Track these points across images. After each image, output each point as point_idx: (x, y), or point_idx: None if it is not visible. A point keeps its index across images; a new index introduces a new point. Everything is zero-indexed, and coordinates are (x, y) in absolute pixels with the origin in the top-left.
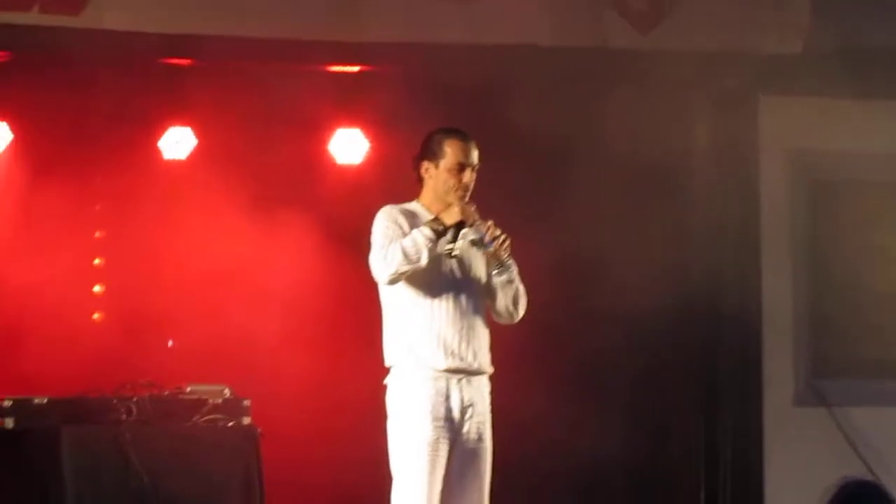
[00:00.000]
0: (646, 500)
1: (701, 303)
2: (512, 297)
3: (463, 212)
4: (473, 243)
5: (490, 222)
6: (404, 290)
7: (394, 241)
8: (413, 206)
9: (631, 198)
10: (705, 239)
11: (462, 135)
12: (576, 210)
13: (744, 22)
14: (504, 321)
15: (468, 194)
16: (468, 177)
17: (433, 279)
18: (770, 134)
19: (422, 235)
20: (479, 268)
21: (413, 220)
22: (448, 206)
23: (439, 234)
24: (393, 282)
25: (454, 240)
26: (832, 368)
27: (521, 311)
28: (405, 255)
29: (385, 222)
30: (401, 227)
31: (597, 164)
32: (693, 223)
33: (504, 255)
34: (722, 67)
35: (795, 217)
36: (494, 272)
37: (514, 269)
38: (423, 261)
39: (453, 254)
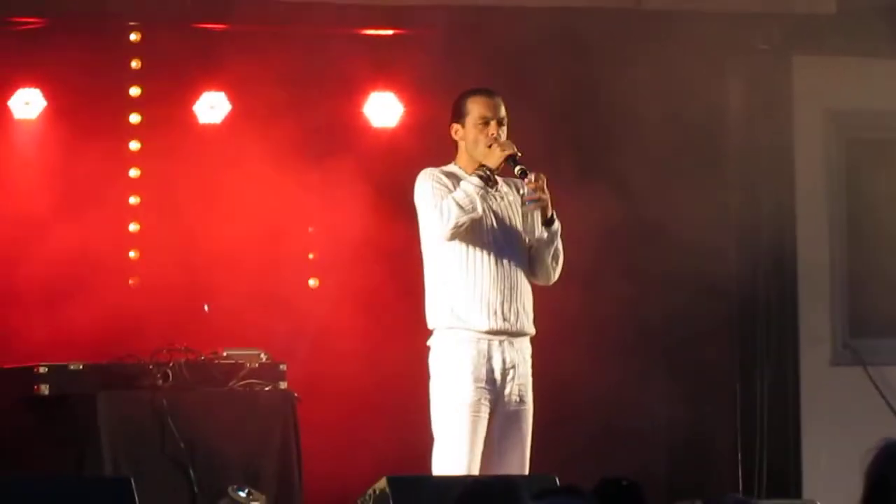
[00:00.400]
0: (683, 460)
1: (736, 264)
2: (552, 255)
3: (502, 147)
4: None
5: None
6: (447, 251)
7: (445, 197)
8: (450, 167)
9: (666, 160)
10: (740, 201)
11: (484, 90)
12: (612, 173)
13: None
14: (541, 282)
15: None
16: (493, 128)
17: (475, 240)
18: (804, 94)
19: (470, 185)
20: (521, 228)
21: (453, 180)
22: (483, 157)
23: (486, 180)
24: (453, 236)
25: (514, 167)
26: (869, 328)
27: (558, 272)
28: (460, 206)
29: (430, 182)
30: (445, 185)
31: (632, 127)
32: (728, 185)
33: (545, 205)
34: (755, 28)
35: (831, 177)
36: (540, 226)
37: (557, 225)
38: (479, 209)
39: (525, 171)
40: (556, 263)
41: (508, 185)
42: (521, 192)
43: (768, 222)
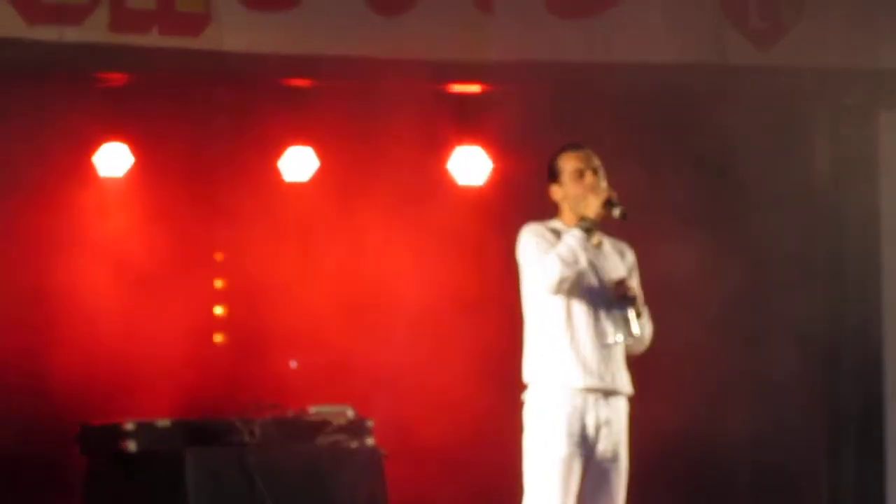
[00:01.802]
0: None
1: (820, 321)
2: (640, 340)
3: (596, 194)
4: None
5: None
6: (547, 306)
7: (548, 252)
8: (553, 223)
9: (754, 216)
10: (827, 259)
11: (573, 145)
12: (699, 228)
13: (861, 38)
14: (631, 353)
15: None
16: (590, 178)
17: (576, 296)
18: (891, 150)
19: (572, 237)
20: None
21: (556, 235)
22: (582, 209)
23: (588, 231)
24: (558, 290)
25: (613, 209)
26: None
27: (646, 345)
28: (562, 260)
29: (533, 237)
30: (548, 241)
31: (718, 183)
32: (812, 243)
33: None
34: (841, 83)
35: None
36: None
37: (645, 319)
38: (582, 262)
39: (625, 213)
40: (642, 345)
41: (614, 247)
42: (625, 259)
43: (854, 282)
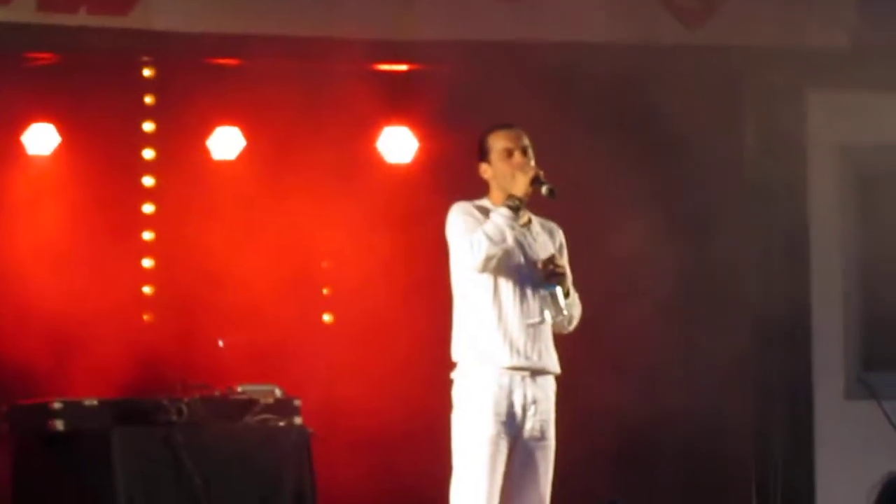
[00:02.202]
0: (697, 490)
1: (749, 298)
2: (568, 319)
3: (524, 172)
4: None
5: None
6: (475, 285)
7: (475, 230)
8: (483, 202)
9: (680, 193)
10: (754, 234)
11: (502, 125)
12: (623, 206)
13: (791, 17)
14: (556, 330)
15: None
16: (518, 157)
17: (503, 275)
18: (818, 129)
19: (500, 216)
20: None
21: (486, 214)
22: (510, 187)
23: (516, 209)
24: (484, 268)
25: (541, 187)
26: (882, 362)
27: (573, 327)
28: (489, 238)
29: (461, 216)
30: (477, 219)
31: (645, 161)
32: (741, 219)
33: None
34: (769, 63)
35: (844, 212)
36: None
37: (572, 298)
38: (509, 240)
39: (552, 190)
40: (571, 324)
41: (542, 227)
42: (554, 238)
43: (781, 258)
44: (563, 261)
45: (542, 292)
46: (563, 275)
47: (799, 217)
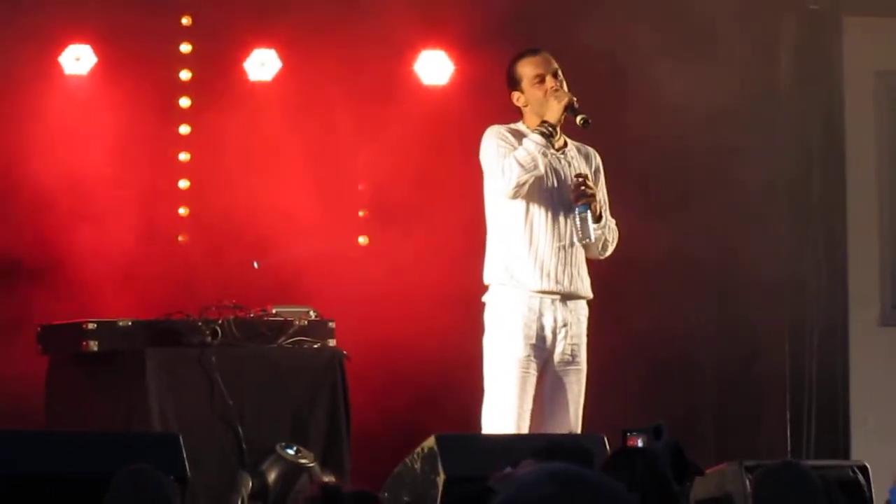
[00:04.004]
0: (733, 418)
1: (786, 224)
2: (602, 245)
3: (557, 98)
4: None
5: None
6: (507, 209)
7: (507, 156)
8: (517, 125)
9: (716, 121)
10: (791, 162)
11: (530, 50)
12: (660, 129)
13: None
14: (590, 256)
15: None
16: (550, 82)
17: (535, 200)
18: (855, 55)
19: (532, 142)
20: None
21: (519, 138)
22: (543, 113)
23: (548, 136)
24: (516, 194)
25: (576, 116)
26: None
27: (609, 252)
28: (521, 165)
29: (494, 140)
30: (511, 143)
31: (681, 87)
32: (778, 146)
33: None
34: None
35: (881, 139)
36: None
37: (604, 221)
38: (540, 167)
39: (587, 120)
40: (605, 250)
41: (579, 151)
42: (590, 163)
43: (817, 184)
44: (599, 185)
45: (573, 215)
46: (592, 196)
47: (836, 144)
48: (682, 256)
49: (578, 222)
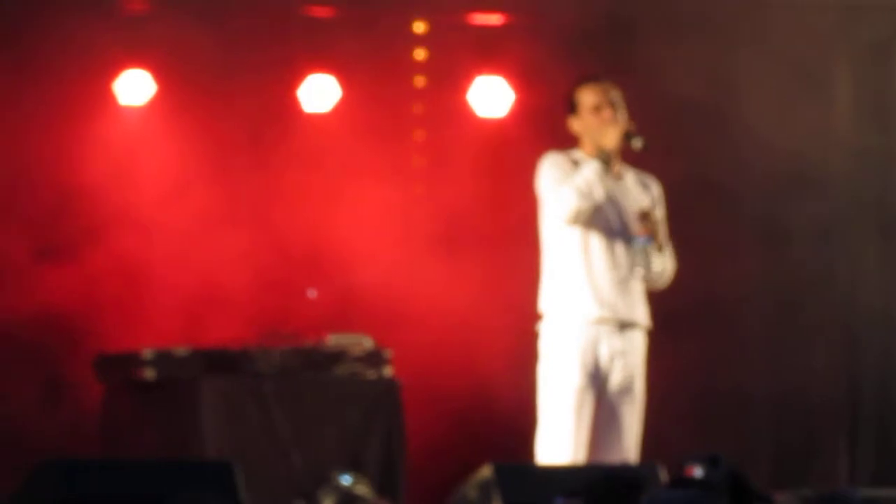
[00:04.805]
0: (788, 446)
1: (841, 262)
2: (659, 277)
3: (615, 126)
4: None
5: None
6: (564, 237)
7: (564, 183)
8: (575, 153)
9: (771, 153)
10: (844, 195)
11: (590, 77)
12: (713, 162)
13: None
14: (648, 286)
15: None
16: (607, 112)
17: (593, 227)
18: None
19: (589, 169)
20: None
21: (577, 165)
22: (601, 141)
23: (607, 163)
24: (573, 221)
25: (632, 141)
26: None
27: (666, 282)
28: (578, 191)
29: (551, 168)
30: (567, 171)
31: (734, 116)
32: (832, 180)
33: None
34: (861, 19)
35: None
36: (645, 244)
37: (665, 253)
38: (599, 195)
39: (643, 144)
40: (662, 279)
41: (637, 179)
42: (649, 191)
43: (873, 220)
44: (659, 215)
45: (634, 246)
46: (655, 228)
47: (892, 177)
48: (737, 285)
49: (641, 253)
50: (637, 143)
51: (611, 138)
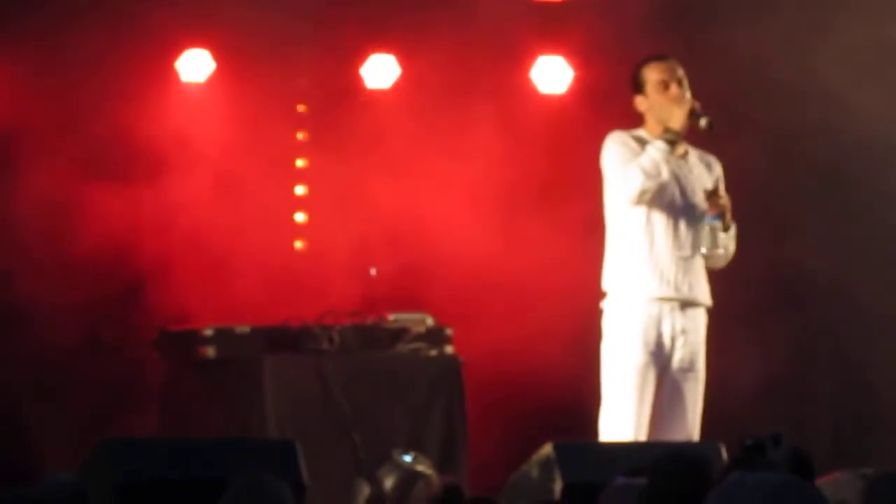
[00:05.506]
0: (848, 428)
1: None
2: (723, 255)
3: (680, 105)
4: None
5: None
6: (627, 216)
7: (630, 162)
8: (639, 132)
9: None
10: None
11: (656, 56)
12: (764, 146)
13: None
14: (710, 265)
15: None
16: (675, 90)
17: (657, 207)
18: None
19: (655, 149)
20: (703, 200)
21: (641, 144)
22: (667, 120)
23: (673, 143)
24: (638, 201)
25: (699, 120)
26: None
27: (725, 263)
28: (644, 172)
29: (616, 146)
30: (632, 150)
31: (794, 86)
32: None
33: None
34: None
35: None
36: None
37: (732, 232)
38: (665, 175)
39: (711, 123)
40: (725, 259)
41: (700, 159)
42: (712, 171)
43: None
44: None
45: (702, 224)
46: (724, 206)
47: None
48: (798, 269)
49: (708, 231)
50: (703, 123)
51: (678, 117)
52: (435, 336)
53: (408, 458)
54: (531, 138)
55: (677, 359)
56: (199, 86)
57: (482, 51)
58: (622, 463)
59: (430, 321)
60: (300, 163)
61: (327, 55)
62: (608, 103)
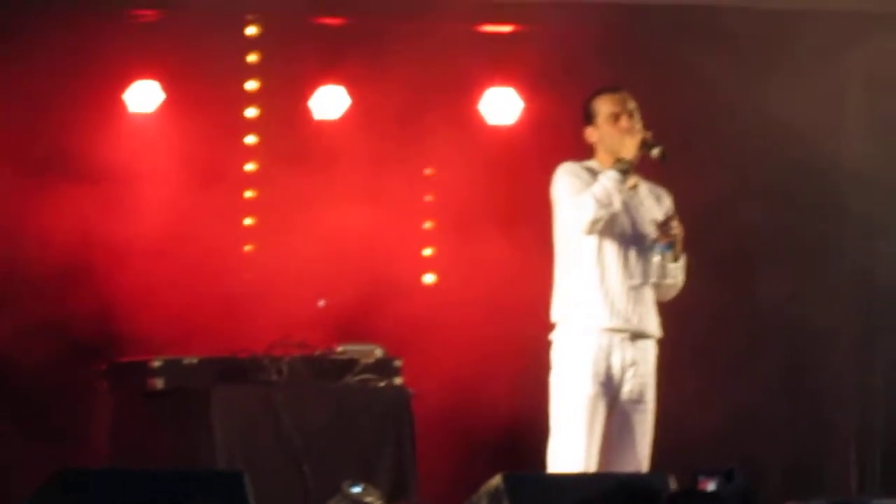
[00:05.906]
0: (799, 460)
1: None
2: (672, 286)
3: (632, 135)
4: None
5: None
6: (578, 246)
7: (582, 192)
8: (590, 163)
9: (781, 167)
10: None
11: (608, 88)
12: (719, 176)
13: None
14: (658, 297)
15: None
16: (625, 122)
17: (607, 237)
18: None
19: (608, 178)
20: (653, 231)
21: (593, 175)
22: (619, 150)
23: (625, 172)
24: (591, 231)
25: (651, 150)
26: None
27: (671, 296)
28: (597, 201)
29: (568, 177)
30: (583, 180)
31: (749, 127)
32: (845, 188)
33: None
34: (877, 26)
35: None
36: (664, 251)
37: (682, 262)
38: (616, 204)
39: (663, 153)
40: (675, 290)
41: (650, 192)
42: (661, 203)
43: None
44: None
45: (654, 254)
46: (675, 236)
47: None
48: (749, 303)
49: (658, 261)
50: (656, 152)
51: (629, 147)
52: (384, 367)
53: (357, 490)
54: (481, 169)
55: (626, 390)
56: (147, 116)
57: (432, 81)
58: (572, 494)
59: (379, 352)
60: (249, 193)
61: (277, 86)
62: (558, 134)
